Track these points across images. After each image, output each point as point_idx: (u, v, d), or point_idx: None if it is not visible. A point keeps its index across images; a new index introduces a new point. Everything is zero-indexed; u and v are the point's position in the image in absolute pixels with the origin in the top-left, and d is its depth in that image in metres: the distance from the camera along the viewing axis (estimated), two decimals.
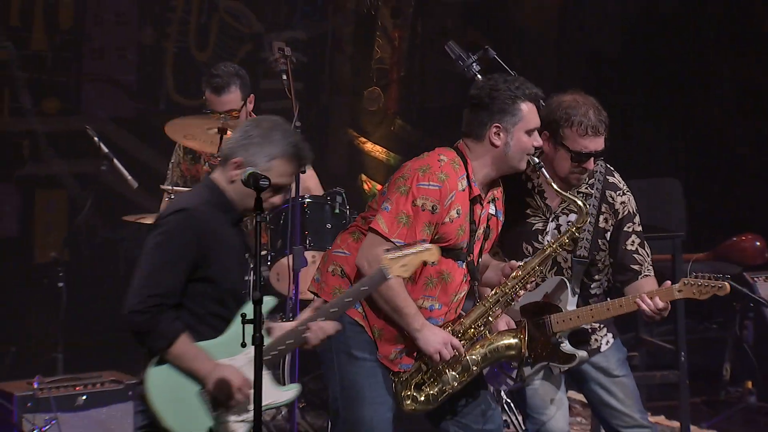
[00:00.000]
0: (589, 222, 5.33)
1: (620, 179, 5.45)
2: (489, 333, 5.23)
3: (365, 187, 9.64)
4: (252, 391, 4.40)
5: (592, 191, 5.39)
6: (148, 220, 6.80)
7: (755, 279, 7.97)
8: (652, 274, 5.40)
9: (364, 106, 9.76)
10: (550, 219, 5.41)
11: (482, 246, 5.27)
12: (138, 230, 8.36)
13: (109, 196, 8.22)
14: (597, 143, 5.29)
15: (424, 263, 4.91)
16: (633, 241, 5.39)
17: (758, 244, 8.36)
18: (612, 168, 5.46)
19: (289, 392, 4.74)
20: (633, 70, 10.24)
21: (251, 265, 4.82)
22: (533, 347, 5.34)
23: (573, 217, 5.37)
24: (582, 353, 5.35)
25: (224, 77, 6.84)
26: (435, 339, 5.03)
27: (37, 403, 6.46)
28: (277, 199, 4.66)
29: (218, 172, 4.69)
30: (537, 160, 5.20)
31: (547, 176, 5.21)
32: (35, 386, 6.48)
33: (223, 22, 9.29)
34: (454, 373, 5.16)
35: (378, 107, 9.90)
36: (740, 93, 10.60)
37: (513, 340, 5.20)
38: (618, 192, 5.41)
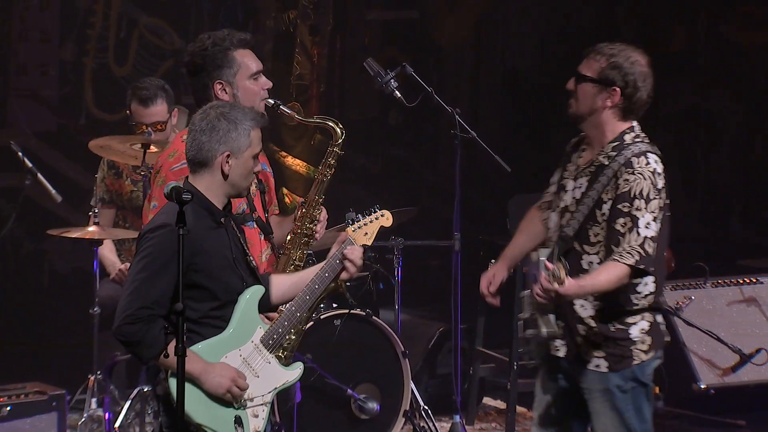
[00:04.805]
0: (590, 197, 4.99)
1: (645, 163, 4.97)
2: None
3: (287, 200, 9.71)
4: (246, 381, 4.63)
5: (609, 162, 5.00)
6: (73, 233, 6.86)
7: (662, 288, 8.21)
8: (625, 261, 4.89)
9: (284, 120, 9.85)
10: (572, 178, 5.12)
11: (263, 200, 5.28)
12: (62, 243, 8.45)
13: (33, 210, 8.25)
14: (581, 67, 5.09)
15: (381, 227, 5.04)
16: (624, 223, 4.91)
17: (664, 254, 8.45)
18: (649, 152, 5.02)
19: (296, 371, 4.85)
20: (548, 86, 10.42)
21: (245, 257, 4.85)
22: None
23: (583, 181, 5.05)
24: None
25: (151, 89, 6.91)
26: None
27: None
28: (259, 166, 4.75)
29: (194, 177, 4.69)
30: (272, 101, 5.21)
31: (288, 112, 5.29)
32: None
33: (144, 38, 9.32)
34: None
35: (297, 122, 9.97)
36: (649, 108, 10.85)
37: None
38: (630, 170, 4.94)
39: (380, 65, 6.84)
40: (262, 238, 5.23)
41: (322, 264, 4.88)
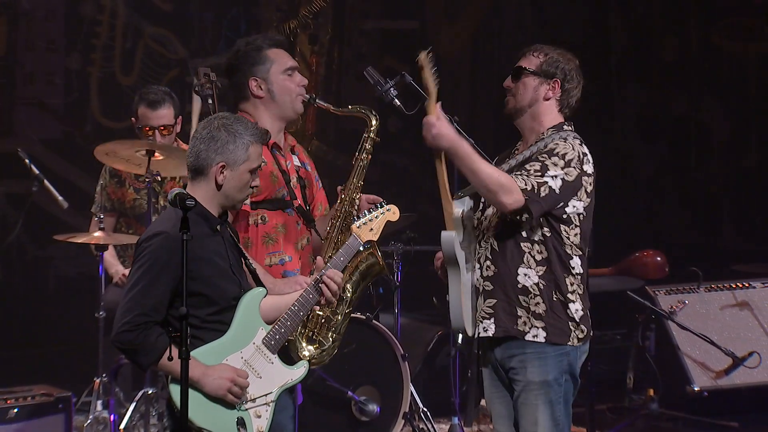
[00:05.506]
0: (515, 160, 5.14)
1: (579, 143, 5.15)
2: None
3: None
4: (248, 379, 4.67)
5: (545, 139, 5.16)
6: (79, 239, 6.92)
7: (656, 292, 8.20)
8: (518, 181, 4.99)
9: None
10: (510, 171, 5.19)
11: (304, 194, 5.34)
12: (67, 248, 8.53)
13: (40, 216, 8.32)
14: (520, 63, 5.27)
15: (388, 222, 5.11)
16: (534, 166, 5.05)
17: (659, 259, 8.45)
18: (579, 140, 5.18)
19: (300, 369, 4.89)
20: None
21: (244, 261, 4.90)
22: None
23: (524, 154, 5.15)
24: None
25: (159, 94, 7.00)
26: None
27: None
28: (257, 181, 4.80)
29: (191, 185, 4.76)
30: (309, 96, 5.28)
31: (324, 105, 5.34)
32: None
33: (149, 48, 9.39)
34: (335, 309, 5.22)
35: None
36: (642, 117, 10.95)
37: (372, 259, 5.28)
38: (562, 139, 5.13)
39: (380, 74, 6.94)
40: (299, 227, 5.27)
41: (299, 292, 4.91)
